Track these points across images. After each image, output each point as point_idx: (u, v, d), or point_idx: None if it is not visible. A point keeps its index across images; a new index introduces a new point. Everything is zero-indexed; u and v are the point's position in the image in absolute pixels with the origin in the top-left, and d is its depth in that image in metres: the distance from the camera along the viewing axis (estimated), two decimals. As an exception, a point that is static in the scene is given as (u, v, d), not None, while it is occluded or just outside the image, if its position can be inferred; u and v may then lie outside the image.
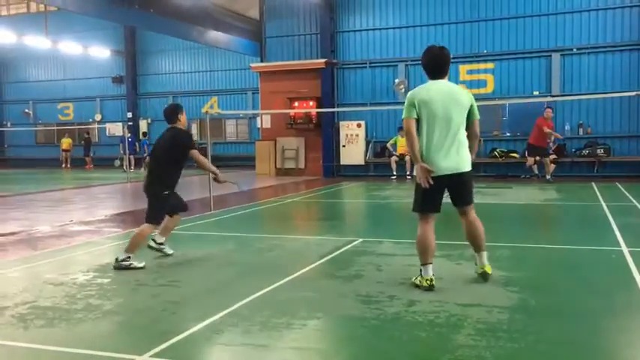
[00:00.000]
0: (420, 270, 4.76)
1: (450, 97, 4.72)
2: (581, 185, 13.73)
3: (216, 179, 6.48)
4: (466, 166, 4.76)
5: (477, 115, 4.86)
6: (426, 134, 4.67)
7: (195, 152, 6.08)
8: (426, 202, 4.76)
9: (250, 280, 5.22)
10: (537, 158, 14.91)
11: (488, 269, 4.93)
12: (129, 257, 5.78)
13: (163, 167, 6.11)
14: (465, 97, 4.82)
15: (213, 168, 6.47)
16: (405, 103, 4.75)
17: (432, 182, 4.62)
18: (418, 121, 4.68)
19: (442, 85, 4.80)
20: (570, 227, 8.06)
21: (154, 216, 6.09)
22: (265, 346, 3.58)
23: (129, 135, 22.27)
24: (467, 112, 4.79)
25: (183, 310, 4.34)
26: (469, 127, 4.82)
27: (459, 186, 4.79)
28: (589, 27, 15.89)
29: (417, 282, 4.77)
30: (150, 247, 6.26)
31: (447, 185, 4.75)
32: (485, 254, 4.96)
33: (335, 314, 4.22)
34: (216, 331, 3.86)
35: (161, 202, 6.10)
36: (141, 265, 5.81)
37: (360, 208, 11.85)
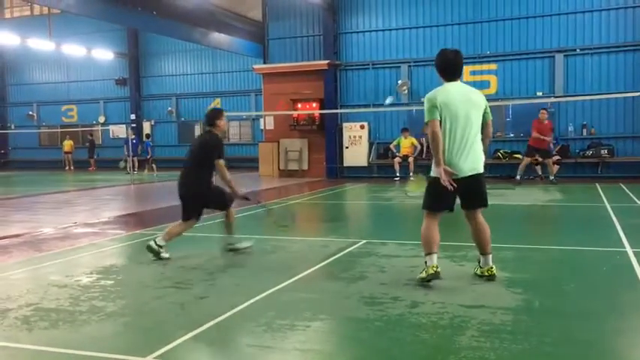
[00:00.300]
0: (425, 262, 4.78)
1: (468, 99, 4.76)
2: (585, 186, 13.70)
3: (234, 194, 6.56)
4: (481, 167, 4.80)
5: (491, 116, 4.91)
6: (449, 136, 4.67)
7: (220, 162, 6.29)
8: (440, 202, 4.79)
9: (254, 282, 5.22)
10: (540, 159, 14.89)
11: (494, 270, 4.95)
12: (233, 242, 6.48)
13: (197, 168, 6.38)
14: (480, 97, 4.88)
15: (232, 183, 6.54)
16: (426, 105, 4.73)
17: (455, 185, 4.62)
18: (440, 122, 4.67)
19: (460, 86, 4.83)
20: (574, 228, 8.04)
21: (224, 201, 6.46)
22: (269, 348, 3.58)
23: (133, 137, 22.32)
24: (483, 112, 4.82)
25: (187, 312, 4.34)
26: (483, 127, 4.86)
27: (474, 187, 4.80)
28: (592, 27, 15.86)
29: (424, 274, 4.77)
30: (149, 247, 6.25)
31: (464, 186, 4.74)
32: (490, 257, 4.97)
33: (339, 315, 4.22)
34: (220, 333, 3.86)
35: (215, 188, 6.45)
36: (249, 243, 6.52)
37: (364, 210, 11.85)
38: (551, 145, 14.81)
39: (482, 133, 4.85)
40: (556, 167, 15.54)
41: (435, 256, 4.75)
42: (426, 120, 4.74)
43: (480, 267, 5.06)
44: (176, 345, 3.64)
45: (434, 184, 4.77)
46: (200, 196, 6.38)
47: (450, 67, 4.86)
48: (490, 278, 4.93)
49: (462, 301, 4.37)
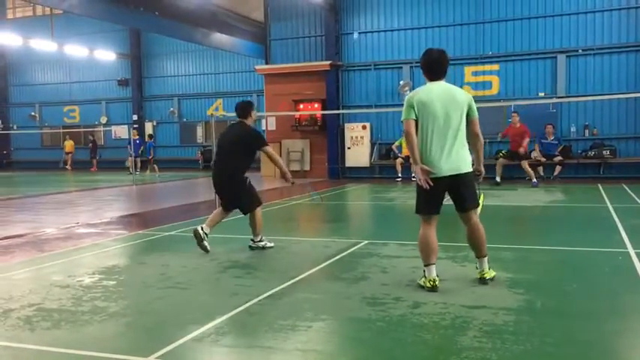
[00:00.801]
0: (424, 271, 4.76)
1: (449, 98, 4.73)
2: (587, 187, 13.68)
3: (285, 178, 6.86)
4: (466, 167, 4.75)
5: (476, 114, 4.85)
6: (426, 135, 4.66)
7: (267, 149, 6.62)
8: (428, 203, 4.76)
9: (256, 282, 5.22)
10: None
11: (488, 274, 4.93)
12: (261, 239, 6.66)
13: (237, 159, 6.52)
14: (463, 96, 4.82)
15: (284, 167, 6.92)
16: (404, 105, 4.77)
17: (431, 184, 4.61)
18: (417, 122, 4.68)
19: (442, 86, 4.81)
20: (576, 229, 8.03)
21: (251, 202, 6.58)
22: (271, 348, 3.59)
23: (136, 137, 22.36)
24: (466, 111, 4.78)
25: (189, 312, 4.35)
26: (468, 125, 4.81)
27: (460, 187, 4.77)
28: (594, 28, 15.84)
29: (422, 283, 4.77)
30: (195, 231, 6.45)
31: (449, 187, 4.74)
32: (486, 260, 4.95)
33: (340, 316, 4.22)
34: (221, 333, 3.87)
35: (249, 188, 6.59)
36: (271, 244, 6.68)
37: (366, 210, 11.85)
38: (522, 150, 14.53)
39: (467, 132, 4.81)
40: (558, 168, 15.54)
41: (433, 268, 4.70)
42: (401, 119, 4.77)
43: (476, 269, 5.07)
44: (178, 345, 3.64)
45: (419, 185, 4.74)
46: (235, 185, 6.54)
47: (434, 66, 4.84)
48: (482, 281, 4.91)
49: (463, 302, 4.37)
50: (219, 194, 6.80)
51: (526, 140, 14.46)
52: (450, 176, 4.68)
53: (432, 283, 4.67)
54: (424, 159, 4.67)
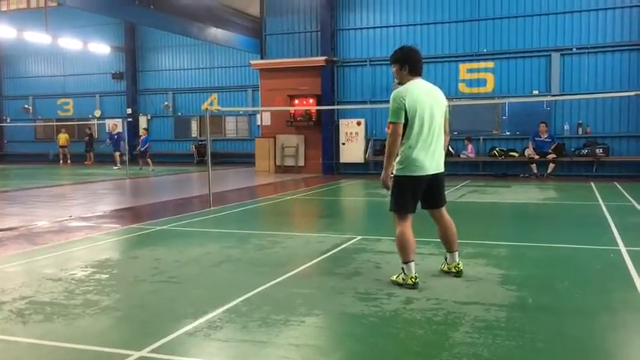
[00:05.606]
0: (402, 268, 4.76)
1: (433, 97, 4.76)
2: (580, 184, 13.75)
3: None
4: (443, 167, 4.86)
5: (448, 115, 4.97)
6: (415, 134, 4.65)
7: None
8: (410, 202, 4.78)
9: (249, 277, 5.23)
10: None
11: (461, 266, 5.06)
12: None
13: None
14: (443, 97, 4.90)
15: None
16: (393, 106, 4.65)
17: (388, 191, 4.73)
18: (405, 123, 4.64)
19: (425, 85, 4.81)
20: (569, 226, 8.07)
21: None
22: (264, 343, 3.59)
23: (116, 131, 22.42)
24: (444, 112, 4.85)
25: (182, 306, 4.35)
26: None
27: (437, 186, 4.85)
28: (589, 27, 15.89)
29: (400, 280, 4.75)
30: None
31: (427, 186, 4.77)
32: (457, 253, 5.07)
33: (333, 311, 4.23)
34: (214, 327, 3.87)
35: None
36: None
37: (360, 206, 11.86)
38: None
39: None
40: (552, 166, 15.62)
41: (413, 265, 4.71)
42: (390, 120, 4.68)
43: (447, 264, 5.13)
44: (170, 339, 3.64)
45: (401, 184, 4.74)
46: None
47: (419, 63, 4.83)
48: (458, 274, 5.00)
49: (456, 298, 4.39)
50: None
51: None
52: (433, 175, 4.75)
53: (413, 280, 4.67)
54: (412, 157, 4.65)
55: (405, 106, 4.61)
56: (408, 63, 4.80)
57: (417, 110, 4.62)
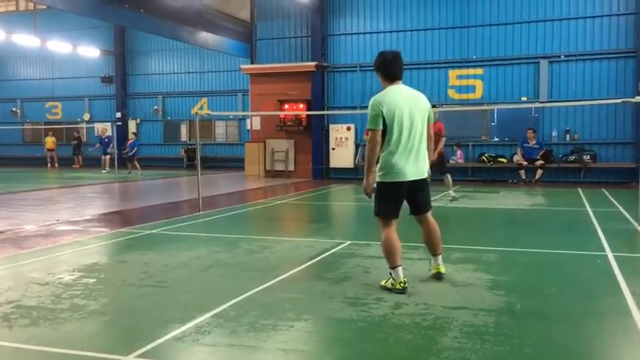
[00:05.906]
0: (390, 273, 4.76)
1: (414, 103, 4.76)
2: (568, 191, 13.85)
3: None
4: (425, 172, 4.87)
5: (432, 119, 4.99)
6: (394, 140, 4.65)
7: None
8: (394, 208, 4.79)
9: (238, 282, 5.21)
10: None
11: (443, 268, 5.10)
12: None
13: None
14: (425, 101, 4.89)
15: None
16: (371, 113, 4.65)
17: (370, 197, 4.75)
18: (384, 129, 4.64)
19: (406, 90, 4.82)
20: (556, 232, 8.13)
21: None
22: (252, 347, 3.58)
23: (106, 135, 22.39)
24: (427, 116, 4.85)
25: (170, 311, 4.32)
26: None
27: (420, 192, 4.86)
28: (577, 34, 16.04)
29: (389, 285, 4.75)
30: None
31: (408, 191, 4.78)
32: (440, 257, 5.10)
33: (322, 316, 4.23)
34: (202, 332, 3.85)
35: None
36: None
37: (349, 211, 11.87)
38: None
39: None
40: (540, 172, 15.72)
41: (400, 270, 4.72)
42: (368, 127, 4.68)
43: (430, 266, 5.20)
44: (158, 344, 3.62)
45: (383, 190, 4.75)
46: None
47: (395, 68, 4.81)
48: (438, 276, 5.05)
49: (444, 303, 4.41)
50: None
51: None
52: (412, 181, 4.75)
53: (402, 285, 4.68)
54: (392, 163, 4.66)
55: (382, 112, 4.60)
56: (381, 69, 4.83)
57: (396, 116, 4.61)
